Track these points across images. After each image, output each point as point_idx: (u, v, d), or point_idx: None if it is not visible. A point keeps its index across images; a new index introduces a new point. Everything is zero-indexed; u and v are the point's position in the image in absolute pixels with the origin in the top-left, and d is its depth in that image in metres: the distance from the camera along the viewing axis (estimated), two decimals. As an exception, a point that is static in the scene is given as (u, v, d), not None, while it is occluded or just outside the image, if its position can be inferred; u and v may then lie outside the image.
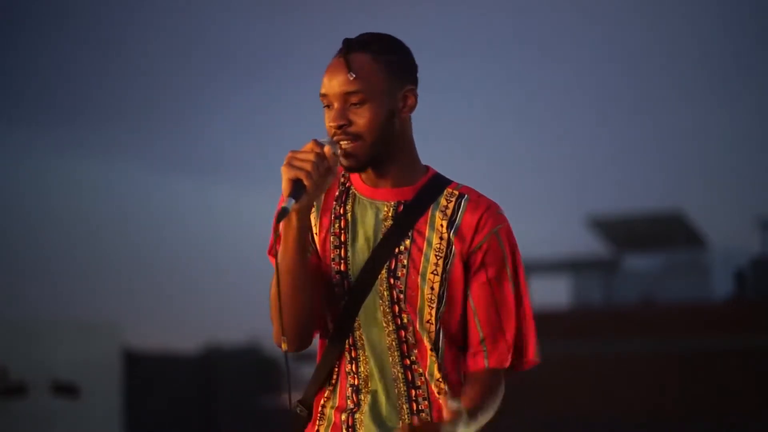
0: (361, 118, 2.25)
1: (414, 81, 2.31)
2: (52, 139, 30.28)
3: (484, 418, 2.24)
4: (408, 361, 2.30)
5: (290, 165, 2.19)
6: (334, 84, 2.25)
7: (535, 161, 33.02)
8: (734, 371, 17.53)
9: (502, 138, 32.84)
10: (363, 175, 2.35)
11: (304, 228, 2.26)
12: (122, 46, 30.60)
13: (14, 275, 24.32)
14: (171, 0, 30.39)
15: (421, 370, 2.29)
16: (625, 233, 23.45)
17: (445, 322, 2.30)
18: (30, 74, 29.32)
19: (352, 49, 2.26)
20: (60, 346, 14.31)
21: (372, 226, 2.33)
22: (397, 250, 2.30)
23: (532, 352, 2.32)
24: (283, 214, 2.17)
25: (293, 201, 2.17)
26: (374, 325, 2.31)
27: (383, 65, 2.26)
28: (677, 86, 31.57)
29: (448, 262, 2.28)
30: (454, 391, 2.28)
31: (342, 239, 2.34)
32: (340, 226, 2.35)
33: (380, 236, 2.31)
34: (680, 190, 30.15)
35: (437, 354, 2.29)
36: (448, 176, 2.37)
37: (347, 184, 2.37)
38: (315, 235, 2.36)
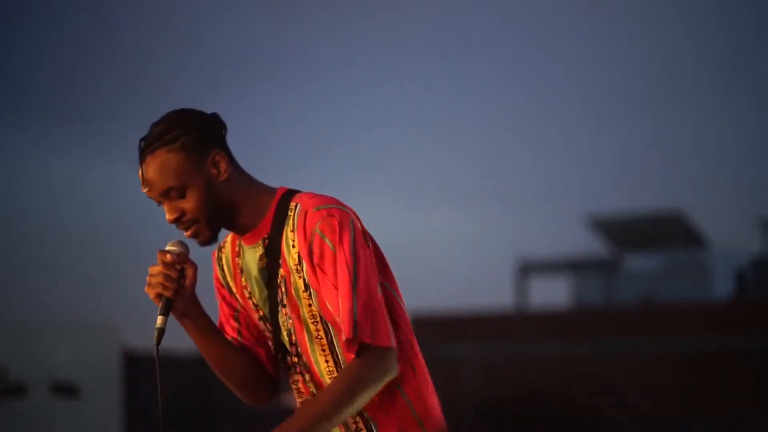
0: (188, 205, 2.33)
1: (216, 143, 2.35)
2: (52, 139, 30.30)
3: (336, 407, 2.28)
4: (314, 388, 2.44)
5: (148, 285, 2.35)
6: (150, 191, 2.35)
7: (535, 161, 33.00)
8: (734, 371, 17.52)
9: (502, 138, 32.84)
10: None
11: (196, 324, 2.43)
12: (122, 46, 30.61)
13: (14, 275, 24.31)
14: (171, 0, 30.39)
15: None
16: (625, 233, 23.44)
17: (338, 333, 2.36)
18: (30, 75, 29.34)
19: (147, 153, 2.34)
20: (60, 346, 14.30)
21: (255, 269, 2.41)
22: (278, 282, 2.38)
23: (380, 333, 2.29)
24: (158, 334, 2.35)
25: (160, 318, 2.33)
26: (295, 355, 2.44)
27: (179, 151, 2.32)
28: (677, 86, 31.58)
29: (306, 276, 2.35)
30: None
31: (248, 289, 2.45)
32: (244, 278, 2.45)
33: (264, 275, 2.40)
34: (680, 190, 30.14)
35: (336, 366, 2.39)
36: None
37: (239, 240, 2.46)
38: (236, 294, 2.49)
